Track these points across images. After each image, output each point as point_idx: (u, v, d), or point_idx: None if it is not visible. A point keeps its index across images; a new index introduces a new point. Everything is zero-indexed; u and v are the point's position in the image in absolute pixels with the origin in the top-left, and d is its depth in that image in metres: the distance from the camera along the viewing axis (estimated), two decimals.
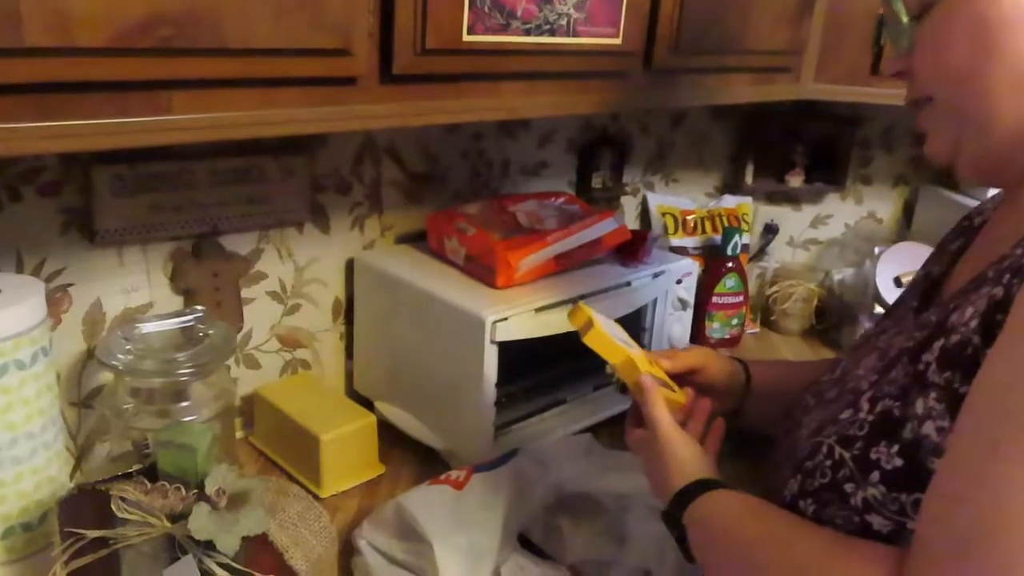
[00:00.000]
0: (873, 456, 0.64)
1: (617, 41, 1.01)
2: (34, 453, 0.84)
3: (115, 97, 0.66)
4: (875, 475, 0.64)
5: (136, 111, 0.68)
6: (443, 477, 0.99)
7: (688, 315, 1.38)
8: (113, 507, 0.72)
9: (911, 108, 0.73)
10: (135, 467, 0.76)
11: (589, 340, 0.89)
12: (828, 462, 0.68)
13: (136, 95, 0.67)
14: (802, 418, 0.81)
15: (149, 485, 0.73)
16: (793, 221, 1.86)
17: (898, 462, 0.63)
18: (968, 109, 0.66)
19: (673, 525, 0.79)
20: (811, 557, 0.64)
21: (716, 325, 1.64)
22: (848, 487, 0.66)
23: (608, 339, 0.90)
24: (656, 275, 1.28)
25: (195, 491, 0.72)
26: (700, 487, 0.78)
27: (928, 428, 0.61)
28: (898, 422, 0.64)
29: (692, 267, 1.35)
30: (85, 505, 0.75)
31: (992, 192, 1.01)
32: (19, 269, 0.96)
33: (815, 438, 0.72)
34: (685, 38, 1.10)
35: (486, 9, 0.86)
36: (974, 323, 0.60)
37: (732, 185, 1.83)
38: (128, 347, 0.95)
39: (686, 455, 0.82)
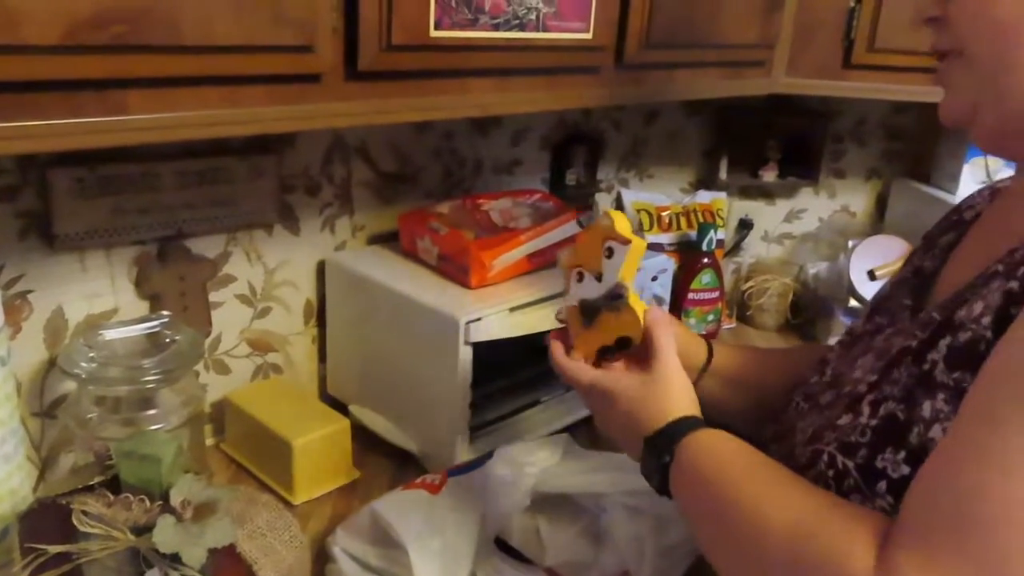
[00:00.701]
0: (879, 464, 0.60)
1: (588, 36, 0.99)
2: None
3: (67, 97, 0.64)
4: (882, 485, 0.60)
5: (90, 111, 0.65)
6: (418, 481, 0.97)
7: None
8: (75, 521, 0.70)
9: (936, 60, 0.68)
10: (97, 479, 0.74)
11: (636, 247, 0.78)
12: (830, 472, 0.63)
13: (89, 95, 0.65)
14: (796, 423, 0.75)
15: (112, 497, 0.70)
16: (767, 216, 1.86)
17: (905, 470, 0.58)
18: (1000, 68, 0.61)
19: (660, 451, 0.72)
20: (806, 513, 0.59)
21: (692, 321, 1.64)
22: (854, 498, 0.61)
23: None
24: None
25: (159, 503, 0.70)
26: (698, 423, 0.73)
27: (936, 432, 0.57)
28: (904, 426, 0.60)
29: (668, 264, 1.34)
30: (47, 519, 0.72)
31: (977, 186, 0.99)
32: None
33: (813, 445, 0.67)
34: (656, 32, 1.09)
35: (453, 4, 0.84)
36: (987, 319, 0.57)
37: (707, 180, 1.83)
38: (91, 355, 0.93)
39: (688, 387, 0.77)
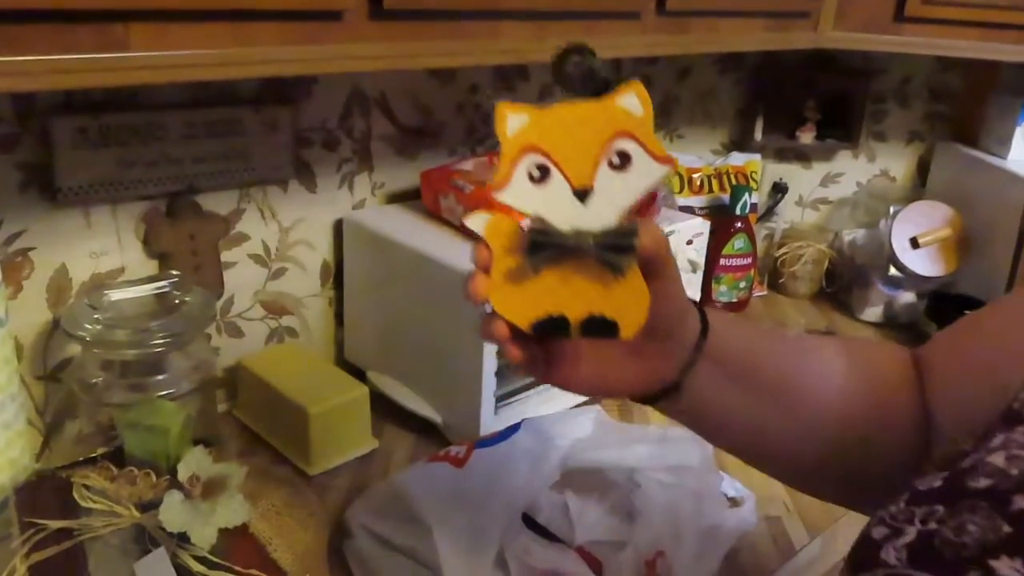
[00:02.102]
0: None
1: None
2: None
3: (61, 30, 0.57)
4: None
5: (86, 46, 0.59)
6: (442, 453, 0.92)
7: (698, 278, 1.30)
8: (76, 495, 0.65)
9: None
10: (100, 451, 0.69)
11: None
12: None
13: (86, 28, 0.58)
14: None
15: (116, 471, 0.65)
16: (803, 179, 1.78)
17: None
18: None
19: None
20: None
21: (723, 288, 1.57)
22: None
23: None
24: (665, 236, 1.20)
25: (167, 477, 0.64)
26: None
27: None
28: None
29: (703, 227, 1.27)
30: (46, 493, 0.67)
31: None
32: None
33: None
34: None
35: None
36: None
37: (740, 142, 1.75)
38: (96, 316, 0.87)
39: None
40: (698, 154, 1.69)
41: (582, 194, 0.46)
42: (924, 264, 1.51)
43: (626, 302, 0.46)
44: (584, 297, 0.46)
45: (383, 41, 0.76)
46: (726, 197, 1.59)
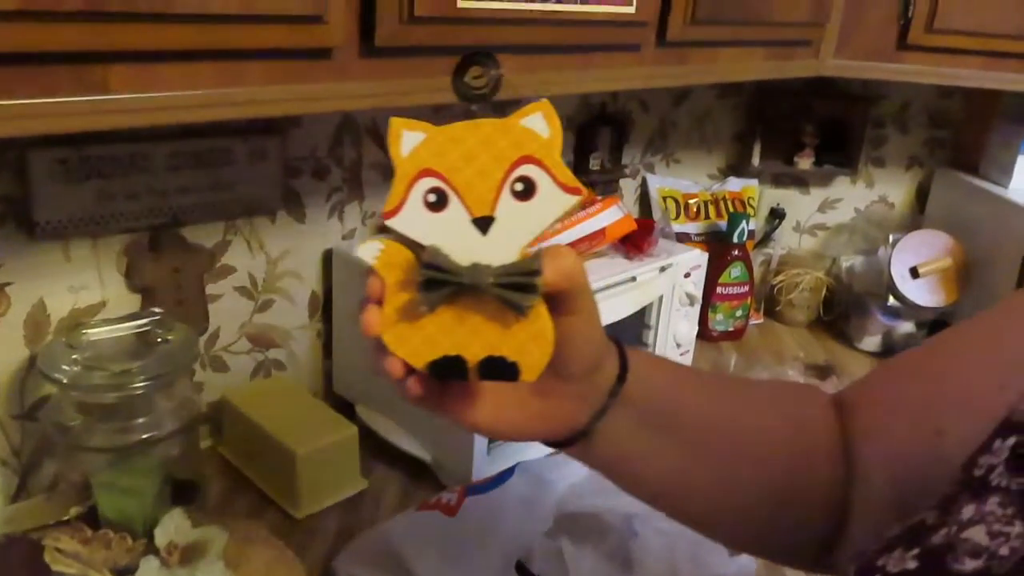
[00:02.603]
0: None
1: (631, 10, 0.89)
2: None
3: (37, 72, 0.54)
4: None
5: (64, 90, 0.56)
6: (433, 501, 0.89)
7: (695, 310, 1.28)
8: (47, 558, 0.61)
9: None
10: (73, 511, 0.65)
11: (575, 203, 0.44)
12: None
13: (63, 70, 0.55)
14: None
15: (90, 533, 0.62)
16: (800, 205, 1.76)
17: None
18: None
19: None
20: None
21: (720, 317, 1.54)
22: None
23: None
24: (663, 269, 1.18)
25: (143, 540, 0.61)
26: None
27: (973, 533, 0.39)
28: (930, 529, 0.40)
29: (700, 259, 1.25)
30: (17, 555, 0.64)
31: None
32: None
33: None
34: (702, 7, 0.98)
35: None
36: None
37: (737, 167, 1.72)
38: (74, 357, 0.84)
39: None
40: (694, 179, 1.66)
41: (482, 224, 0.42)
42: (924, 294, 1.49)
43: (528, 342, 0.42)
44: (483, 336, 0.42)
45: (375, 79, 0.73)
46: (723, 223, 1.57)
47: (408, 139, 0.43)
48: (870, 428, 0.53)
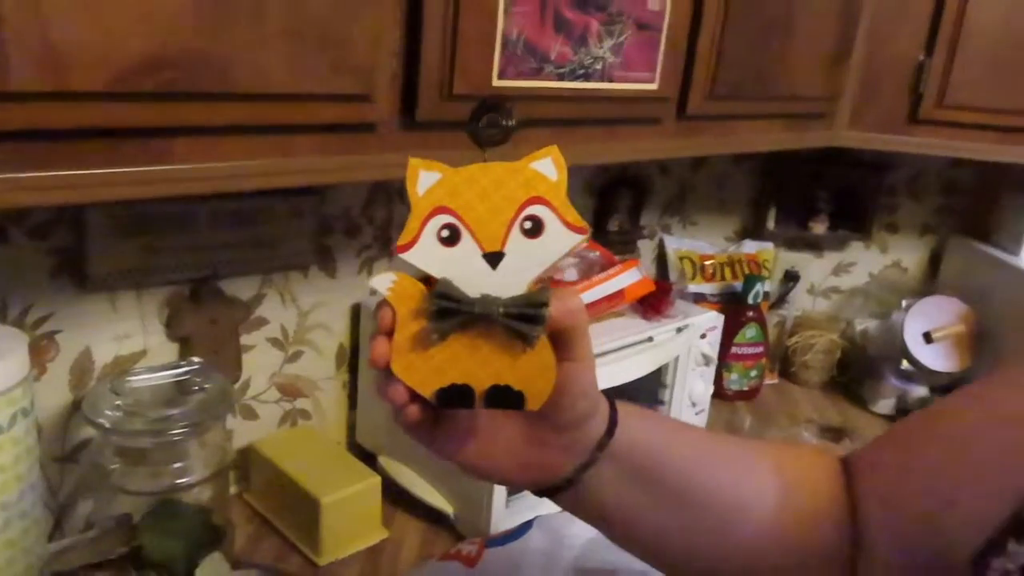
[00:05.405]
0: None
1: (653, 86, 0.94)
2: (8, 524, 0.76)
3: (111, 145, 0.59)
4: None
5: (133, 160, 0.61)
6: (453, 551, 0.92)
7: (711, 371, 1.31)
8: None
9: None
10: (118, 551, 0.69)
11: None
12: None
13: (134, 143, 0.60)
14: None
15: (134, 574, 0.65)
16: (815, 268, 1.79)
17: None
18: None
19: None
20: None
21: (734, 376, 1.57)
22: None
23: None
24: (680, 330, 1.21)
25: None
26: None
27: None
28: None
29: (717, 320, 1.28)
30: None
31: None
32: (2, 317, 0.88)
33: None
34: (722, 83, 1.04)
35: (519, 52, 0.80)
36: None
37: (752, 230, 1.77)
38: (117, 402, 0.88)
39: None
40: (711, 241, 1.71)
41: (492, 259, 0.45)
42: (937, 359, 1.51)
43: (533, 373, 0.45)
44: (490, 366, 0.45)
45: (415, 149, 0.77)
46: (738, 285, 1.61)
47: (425, 178, 0.46)
48: (880, 493, 0.53)
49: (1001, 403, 0.51)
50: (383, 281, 0.45)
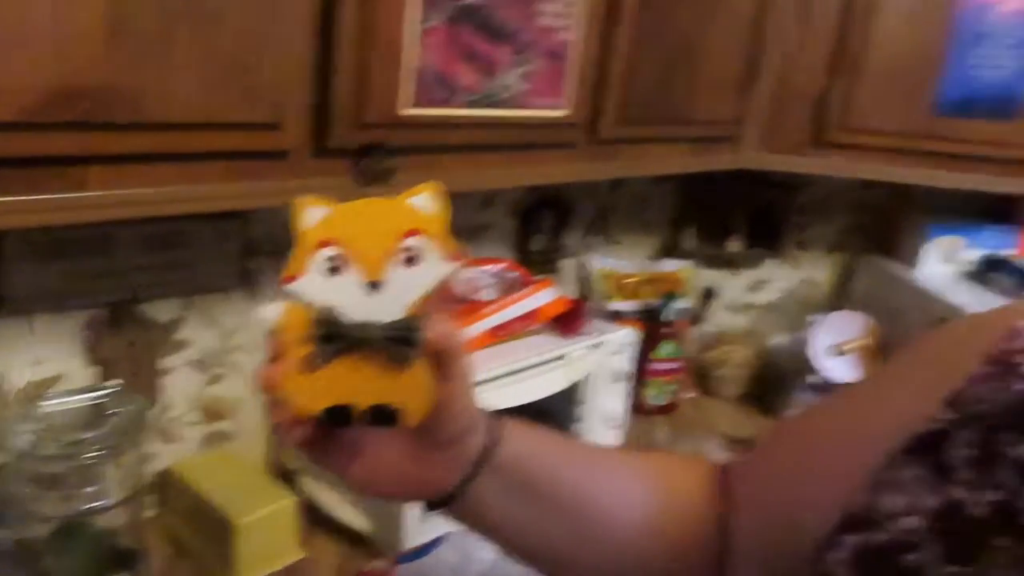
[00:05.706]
0: None
1: (564, 112, 0.98)
2: None
3: (26, 173, 0.61)
4: None
5: (49, 187, 0.62)
6: (367, 570, 0.94)
7: (626, 387, 1.35)
8: None
9: None
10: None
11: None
12: None
13: (49, 171, 0.62)
14: None
15: None
16: (732, 285, 1.86)
17: None
18: None
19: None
20: None
21: (653, 392, 1.62)
22: None
23: None
24: (593, 346, 1.25)
25: None
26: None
27: None
28: None
29: (630, 337, 1.32)
30: None
31: (939, 265, 0.95)
32: None
33: None
34: (633, 107, 1.08)
35: (429, 81, 0.83)
36: None
37: (672, 248, 1.83)
38: (28, 428, 0.87)
39: None
40: (633, 259, 1.76)
41: (373, 287, 0.48)
42: (844, 371, 1.59)
43: (411, 392, 0.48)
44: (371, 387, 0.48)
45: (327, 176, 0.80)
46: (657, 302, 1.66)
47: (312, 213, 0.49)
48: (745, 499, 0.57)
49: (845, 396, 0.56)
50: (271, 311, 0.48)
